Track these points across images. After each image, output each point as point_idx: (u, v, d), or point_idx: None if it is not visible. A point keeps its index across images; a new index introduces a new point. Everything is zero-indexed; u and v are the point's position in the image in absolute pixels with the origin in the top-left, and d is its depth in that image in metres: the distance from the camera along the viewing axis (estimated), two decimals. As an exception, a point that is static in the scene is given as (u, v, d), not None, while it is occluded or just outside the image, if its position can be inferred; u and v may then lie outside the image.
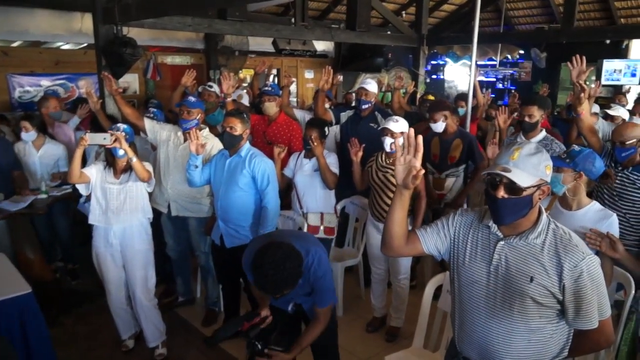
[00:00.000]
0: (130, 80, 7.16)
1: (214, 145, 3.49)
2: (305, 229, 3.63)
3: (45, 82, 6.36)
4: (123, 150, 2.99)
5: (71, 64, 6.61)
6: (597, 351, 1.96)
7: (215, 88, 4.78)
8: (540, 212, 1.65)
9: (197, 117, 3.50)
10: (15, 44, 6.37)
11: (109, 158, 3.13)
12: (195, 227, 3.67)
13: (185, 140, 3.46)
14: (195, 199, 3.60)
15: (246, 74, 8.08)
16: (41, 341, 2.70)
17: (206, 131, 3.63)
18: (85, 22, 6.18)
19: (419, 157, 1.59)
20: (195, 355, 3.41)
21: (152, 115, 3.86)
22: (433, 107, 3.93)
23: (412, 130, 1.64)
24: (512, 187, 1.55)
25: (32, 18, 6.01)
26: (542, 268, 1.58)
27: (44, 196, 3.74)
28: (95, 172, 3.13)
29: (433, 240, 1.79)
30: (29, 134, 3.97)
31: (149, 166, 3.17)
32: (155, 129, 3.65)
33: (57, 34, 6.30)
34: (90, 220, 3.17)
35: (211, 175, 3.25)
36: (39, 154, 4.06)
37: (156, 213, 3.77)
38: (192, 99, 3.56)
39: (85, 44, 6.59)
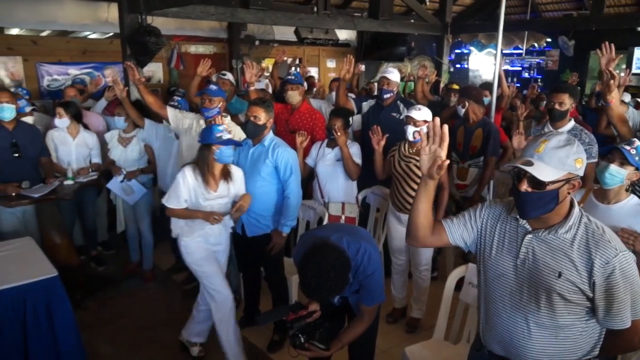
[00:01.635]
0: (155, 69, 7.24)
1: (236, 134, 3.50)
2: (326, 219, 3.63)
3: (73, 71, 6.47)
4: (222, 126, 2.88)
5: (98, 53, 6.72)
6: (631, 351, 1.89)
7: (229, 76, 4.79)
8: (572, 206, 1.59)
9: (219, 106, 3.51)
10: (44, 34, 6.49)
11: (203, 168, 2.88)
12: (217, 215, 3.69)
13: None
14: (217, 187, 3.62)
15: (268, 63, 8.08)
16: (67, 324, 2.77)
17: (228, 119, 3.65)
18: (111, 11, 6.26)
19: (444, 147, 1.57)
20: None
21: (176, 104, 3.90)
22: (464, 94, 3.97)
23: (437, 119, 1.61)
24: (536, 181, 1.49)
25: (61, 8, 6.14)
26: (571, 264, 1.53)
27: (70, 182, 3.82)
28: (186, 193, 2.88)
29: (459, 231, 1.76)
30: (62, 121, 4.03)
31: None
32: (178, 118, 3.67)
33: (84, 24, 6.43)
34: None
35: (234, 163, 3.26)
36: (75, 142, 4.12)
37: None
38: (213, 87, 3.57)
39: (112, 34, 6.68)
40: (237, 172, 3.03)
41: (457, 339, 2.74)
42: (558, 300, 1.56)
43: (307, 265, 1.95)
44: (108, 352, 3.33)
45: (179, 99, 4.04)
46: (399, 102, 4.11)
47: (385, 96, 4.06)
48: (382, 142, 3.42)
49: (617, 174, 2.32)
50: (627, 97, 5.43)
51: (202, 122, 3.57)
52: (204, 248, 3.00)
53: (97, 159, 4.22)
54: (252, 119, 3.07)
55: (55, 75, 6.39)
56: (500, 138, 4.03)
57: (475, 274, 1.99)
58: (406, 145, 3.35)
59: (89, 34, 6.85)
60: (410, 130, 3.21)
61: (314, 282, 1.93)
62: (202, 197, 2.89)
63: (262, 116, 3.06)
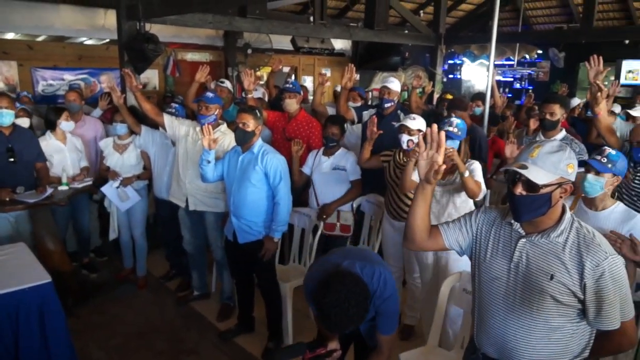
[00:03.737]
0: (150, 76, 7.26)
1: (231, 141, 3.52)
2: (321, 227, 3.65)
3: (68, 76, 6.48)
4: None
5: (93, 59, 6.74)
6: (620, 353, 1.94)
7: (227, 84, 4.82)
8: (563, 211, 1.64)
9: (215, 113, 3.54)
10: (39, 39, 6.50)
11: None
12: (212, 222, 3.71)
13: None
14: (212, 194, 3.64)
15: (264, 71, 8.12)
16: (59, 330, 2.74)
17: (224, 126, 3.67)
18: (108, 18, 6.29)
19: (441, 153, 1.62)
20: (210, 349, 3.46)
21: (173, 110, 3.92)
22: (453, 106, 4.00)
23: (434, 125, 1.66)
24: (530, 184, 1.54)
25: (57, 13, 6.15)
26: (563, 266, 1.57)
27: (64, 188, 3.81)
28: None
29: (455, 236, 1.80)
30: (68, 124, 4.04)
31: None
32: (174, 125, 3.69)
33: (80, 29, 6.43)
34: None
35: (224, 171, 3.29)
36: (67, 147, 4.11)
37: (174, 207, 3.85)
38: (210, 94, 3.59)
39: (108, 40, 6.69)
40: None
41: (451, 345, 2.76)
42: (550, 303, 1.60)
43: (324, 297, 1.81)
44: (100, 359, 3.32)
45: (177, 105, 4.06)
46: (399, 111, 4.15)
47: (386, 105, 4.10)
48: (375, 135, 3.45)
49: (595, 183, 2.42)
50: (618, 109, 5.52)
51: (198, 129, 3.59)
52: None
53: (85, 163, 4.22)
54: (240, 125, 3.09)
55: (50, 80, 6.40)
56: (500, 148, 4.09)
57: (468, 281, 2.02)
58: (400, 153, 3.39)
59: (85, 40, 6.86)
60: (405, 139, 3.24)
61: (333, 314, 1.79)
62: None
63: (250, 123, 3.08)
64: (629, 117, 4.66)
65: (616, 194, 2.96)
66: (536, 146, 1.59)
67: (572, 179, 1.59)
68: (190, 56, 7.83)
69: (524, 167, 1.55)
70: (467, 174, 2.73)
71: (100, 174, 4.19)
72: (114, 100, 3.81)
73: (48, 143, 4.02)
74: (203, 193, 3.63)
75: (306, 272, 2.14)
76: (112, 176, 4.01)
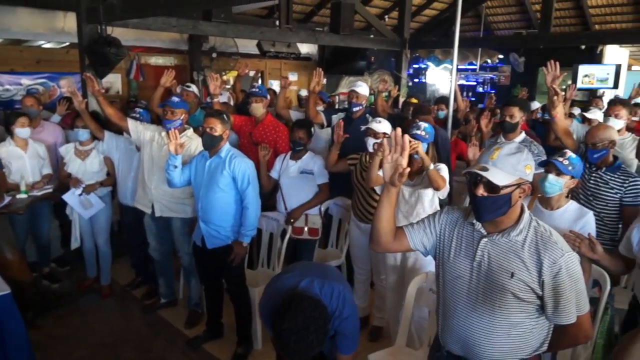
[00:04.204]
0: (113, 80, 7.11)
1: (198, 146, 3.50)
2: (289, 230, 3.66)
3: (26, 81, 6.28)
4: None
5: (53, 63, 6.54)
6: (576, 346, 2.02)
7: (194, 88, 4.78)
8: (522, 211, 1.70)
9: (181, 118, 3.51)
10: (-5, 42, 6.29)
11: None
12: (179, 228, 3.67)
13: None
14: (179, 199, 3.60)
15: (230, 75, 8.08)
16: (19, 344, 2.66)
17: (190, 131, 3.64)
18: (68, 21, 6.12)
19: (405, 156, 1.66)
20: (178, 356, 3.41)
21: (137, 115, 3.85)
22: (417, 112, 4.06)
23: (399, 129, 1.69)
24: (490, 186, 1.60)
25: (14, 16, 5.93)
26: (522, 264, 1.63)
27: (23, 196, 3.69)
28: None
29: (419, 237, 1.84)
30: (24, 130, 3.90)
31: None
32: (139, 130, 3.63)
33: (38, 33, 6.23)
34: None
35: (191, 176, 3.26)
36: (27, 154, 3.99)
37: (139, 213, 3.79)
38: (175, 99, 3.56)
39: (68, 43, 6.53)
40: None
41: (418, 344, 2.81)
42: (511, 299, 1.65)
43: (281, 324, 1.76)
44: (64, 371, 3.23)
45: (141, 110, 3.99)
46: (367, 115, 4.20)
47: (355, 109, 4.13)
48: (342, 139, 3.52)
49: (555, 183, 2.54)
50: (577, 111, 5.75)
51: (163, 134, 3.55)
52: None
53: (48, 170, 4.10)
54: (208, 130, 3.07)
55: (7, 85, 6.18)
56: (462, 150, 4.19)
57: (434, 281, 2.07)
58: (367, 157, 3.43)
59: (44, 43, 6.67)
60: (371, 142, 3.29)
61: (292, 342, 1.74)
62: None
63: (218, 127, 3.07)
64: (585, 120, 4.85)
65: (570, 194, 3.08)
66: (496, 148, 1.65)
67: (530, 179, 1.66)
68: (154, 60, 7.71)
69: (485, 169, 1.60)
70: (432, 167, 2.80)
71: (61, 180, 4.08)
72: (76, 105, 3.71)
73: (7, 149, 3.90)
74: (169, 199, 3.59)
75: (262, 293, 2.09)
76: (74, 183, 3.91)
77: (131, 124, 3.63)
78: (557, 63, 3.20)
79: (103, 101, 3.62)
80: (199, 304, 3.86)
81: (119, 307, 4.09)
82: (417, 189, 3.00)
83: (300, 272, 2.12)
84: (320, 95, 5.42)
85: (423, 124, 3.03)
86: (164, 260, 3.91)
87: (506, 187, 1.60)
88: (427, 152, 2.94)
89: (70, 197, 3.92)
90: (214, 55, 7.66)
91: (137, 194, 3.77)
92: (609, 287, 2.48)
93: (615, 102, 4.03)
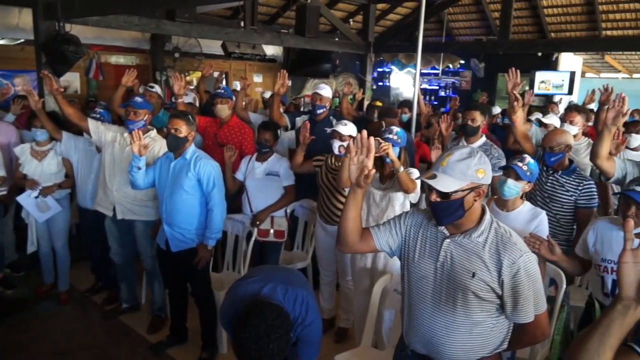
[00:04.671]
0: (71, 79, 6.89)
1: (162, 147, 3.44)
2: (255, 233, 3.64)
3: (-22, 79, 6.01)
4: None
5: (6, 60, 6.29)
6: (535, 344, 2.09)
7: (157, 88, 4.69)
8: (483, 212, 1.75)
9: (144, 118, 3.44)
10: (-56, 38, 6.00)
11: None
12: (141, 231, 3.59)
13: (131, 142, 3.38)
14: (142, 202, 3.53)
15: (194, 76, 7.97)
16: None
17: (154, 132, 3.57)
18: (23, 17, 5.90)
19: (370, 158, 1.68)
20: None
21: (98, 115, 3.75)
22: (384, 114, 4.13)
23: (364, 132, 1.72)
24: (441, 192, 1.64)
25: (-36, 11, 5.69)
26: (483, 264, 1.68)
27: (-26, 199, 3.54)
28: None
29: (385, 238, 1.87)
30: None
31: None
32: (100, 130, 3.54)
33: (-9, 29, 5.99)
34: None
35: (155, 178, 3.21)
36: None
37: (99, 216, 3.69)
38: (139, 99, 3.49)
39: (23, 40, 6.28)
40: None
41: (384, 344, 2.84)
42: (472, 299, 1.70)
43: (242, 333, 1.71)
44: (20, 381, 3.11)
45: (102, 110, 3.89)
46: (331, 117, 4.23)
47: (319, 111, 4.15)
48: (308, 141, 3.55)
49: (514, 187, 2.65)
50: (539, 116, 5.95)
51: (126, 134, 3.47)
52: None
53: (1, 171, 3.94)
54: (172, 131, 3.03)
55: (-43, 83, 5.91)
56: (425, 152, 4.28)
57: (399, 282, 2.10)
58: (332, 158, 3.46)
59: (-3, 40, 6.41)
60: (336, 144, 3.32)
61: (253, 350, 1.70)
62: None
63: (183, 129, 3.03)
64: (542, 124, 5.03)
65: (525, 195, 3.20)
66: (447, 154, 1.69)
67: (486, 182, 1.69)
68: (115, 59, 7.52)
69: (433, 177, 1.64)
70: (401, 169, 2.84)
71: (16, 182, 3.92)
72: (32, 105, 3.58)
73: None
74: (132, 201, 3.51)
75: (225, 295, 2.05)
76: (30, 185, 3.76)
77: (92, 124, 3.53)
78: (518, 71, 3.32)
79: (62, 100, 3.50)
80: (162, 308, 3.78)
81: (78, 314, 3.96)
82: (388, 192, 3.03)
83: (264, 277, 2.08)
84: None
85: (395, 128, 3.08)
86: (125, 264, 3.81)
87: (455, 192, 1.63)
88: (399, 156, 2.98)
89: (26, 200, 3.77)
90: (177, 55, 7.54)
91: (97, 197, 3.67)
92: (564, 286, 2.58)
93: (571, 108, 4.19)
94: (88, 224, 4.04)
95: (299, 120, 4.38)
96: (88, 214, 3.90)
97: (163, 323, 3.73)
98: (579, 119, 4.02)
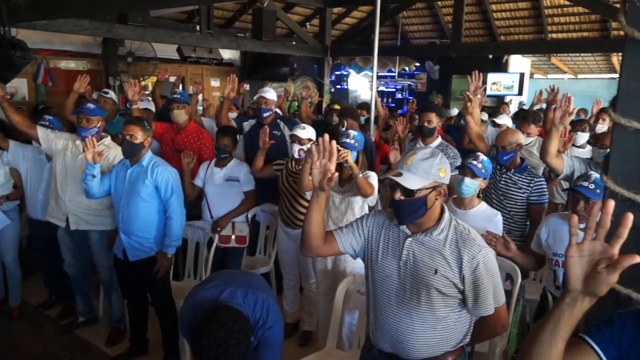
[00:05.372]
0: (18, 86, 6.59)
1: (117, 154, 3.35)
2: (216, 239, 3.59)
3: None
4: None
5: (-54, 67, 5.95)
6: (495, 336, 2.16)
7: (112, 94, 4.57)
8: (443, 211, 1.80)
9: (98, 125, 3.34)
10: None
11: None
12: (97, 241, 3.48)
13: (84, 149, 3.28)
14: (96, 211, 3.43)
15: (149, 81, 7.79)
16: None
17: (108, 139, 3.48)
18: (-37, 21, 5.61)
19: (333, 161, 1.70)
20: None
21: (47, 123, 3.61)
22: (345, 114, 4.21)
23: (326, 135, 1.74)
24: (405, 190, 1.68)
25: None
26: (444, 261, 1.73)
27: None
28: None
29: (349, 240, 1.89)
30: None
31: None
32: (50, 138, 3.42)
33: None
34: None
35: (111, 186, 3.12)
36: None
37: (51, 227, 3.55)
38: (91, 105, 3.39)
39: (-37, 45, 5.97)
40: None
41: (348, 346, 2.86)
42: (435, 295, 1.74)
43: (200, 340, 1.70)
44: (-32, 403, 2.95)
45: (51, 117, 3.75)
46: (279, 120, 4.22)
47: (265, 115, 4.14)
48: (268, 145, 3.55)
49: (471, 185, 2.76)
50: (485, 117, 6.16)
51: (78, 142, 3.36)
52: None
53: None
54: (128, 137, 2.97)
55: None
56: (385, 153, 4.35)
57: (362, 283, 2.13)
58: (293, 162, 3.46)
59: None
60: (296, 148, 3.32)
61: (212, 357, 1.68)
62: None
63: (139, 135, 2.97)
64: (494, 125, 5.21)
65: (482, 194, 3.30)
66: (410, 154, 1.74)
67: (445, 182, 1.76)
68: (65, 64, 7.26)
69: (399, 175, 1.68)
70: (360, 175, 2.87)
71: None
72: (-24, 113, 3.42)
73: None
74: (86, 211, 3.40)
75: (184, 301, 2.02)
76: (-26, 198, 3.59)
77: (41, 132, 3.40)
78: (481, 74, 3.44)
79: (8, 108, 3.36)
80: (121, 319, 3.68)
81: (31, 330, 3.80)
82: (347, 196, 3.06)
83: (223, 281, 2.07)
84: (233, 101, 5.39)
85: (352, 132, 3.10)
86: (80, 276, 3.68)
87: (420, 190, 1.68)
88: (357, 160, 3.01)
89: (-29, 213, 3.59)
90: (130, 60, 7.36)
91: (48, 207, 3.54)
92: (520, 280, 2.67)
93: (527, 120, 4.21)
94: (39, 236, 3.89)
95: (246, 125, 4.36)
96: (39, 226, 3.76)
97: (122, 335, 3.63)
98: (532, 128, 4.15)
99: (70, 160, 3.39)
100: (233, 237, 3.67)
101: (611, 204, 1.01)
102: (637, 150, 1.31)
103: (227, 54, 9.00)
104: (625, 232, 0.99)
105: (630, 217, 0.98)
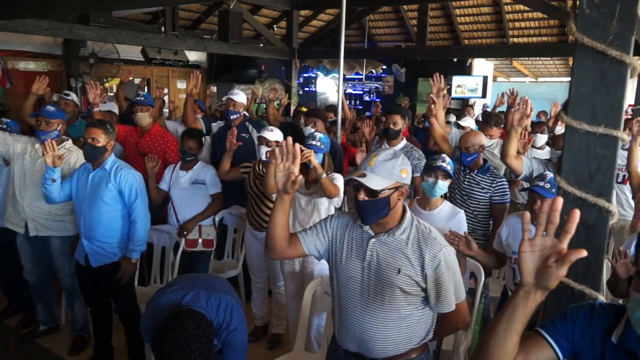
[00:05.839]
0: (-26, 88, 6.37)
1: (79, 158, 3.28)
2: (182, 243, 3.55)
3: None
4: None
5: None
6: (457, 330, 2.21)
7: (73, 96, 4.46)
8: (404, 211, 1.84)
9: (58, 128, 3.27)
10: None
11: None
12: (58, 247, 3.40)
13: (43, 153, 3.20)
14: (57, 217, 3.34)
15: (112, 83, 7.63)
16: None
17: (69, 143, 3.40)
18: None
19: (297, 164, 1.70)
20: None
21: (5, 126, 3.50)
22: (307, 113, 4.26)
23: (289, 138, 1.74)
24: (369, 190, 1.71)
25: None
26: (407, 260, 1.76)
27: None
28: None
29: (313, 242, 1.91)
30: None
31: None
32: (8, 142, 3.32)
33: None
34: None
35: (73, 190, 3.05)
36: None
37: (9, 234, 3.44)
38: (51, 108, 3.31)
39: None
40: None
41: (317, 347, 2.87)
42: (399, 294, 1.78)
43: (162, 344, 1.68)
44: None
45: (9, 120, 3.63)
46: (247, 122, 4.21)
47: (232, 117, 4.12)
48: (235, 147, 3.54)
49: (444, 187, 2.83)
50: (452, 118, 6.28)
51: (37, 146, 3.28)
52: None
53: None
54: (90, 141, 2.91)
55: None
56: (353, 156, 4.38)
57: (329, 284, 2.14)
58: (260, 165, 3.45)
59: None
60: (263, 150, 3.32)
61: None
62: None
63: (101, 138, 2.92)
64: (458, 127, 5.32)
65: (448, 193, 3.37)
66: (373, 155, 1.78)
67: (407, 182, 1.80)
68: (24, 65, 7.04)
69: (363, 176, 1.71)
70: (324, 175, 2.89)
71: None
72: None
73: None
74: (46, 216, 3.31)
75: (146, 306, 2.00)
76: None
77: (-2, 135, 3.30)
78: (442, 76, 3.51)
79: (-37, 110, 3.25)
80: (84, 327, 3.59)
81: (-11, 340, 3.68)
82: (313, 197, 3.08)
83: (185, 284, 2.06)
84: (197, 102, 5.34)
85: (318, 134, 3.13)
86: (41, 284, 3.58)
87: (383, 190, 1.71)
88: (323, 162, 3.02)
89: None
90: (92, 61, 7.19)
91: (6, 213, 3.44)
92: (483, 278, 2.75)
93: (489, 122, 4.39)
94: (-3, 243, 3.75)
95: (214, 126, 4.34)
96: (-4, 232, 3.63)
97: (86, 343, 3.54)
98: (494, 130, 4.29)
99: (29, 164, 3.30)
100: (200, 240, 3.64)
101: (559, 201, 1.05)
102: (587, 151, 1.38)
103: (193, 56, 8.90)
104: (573, 228, 1.04)
105: (577, 213, 1.03)
